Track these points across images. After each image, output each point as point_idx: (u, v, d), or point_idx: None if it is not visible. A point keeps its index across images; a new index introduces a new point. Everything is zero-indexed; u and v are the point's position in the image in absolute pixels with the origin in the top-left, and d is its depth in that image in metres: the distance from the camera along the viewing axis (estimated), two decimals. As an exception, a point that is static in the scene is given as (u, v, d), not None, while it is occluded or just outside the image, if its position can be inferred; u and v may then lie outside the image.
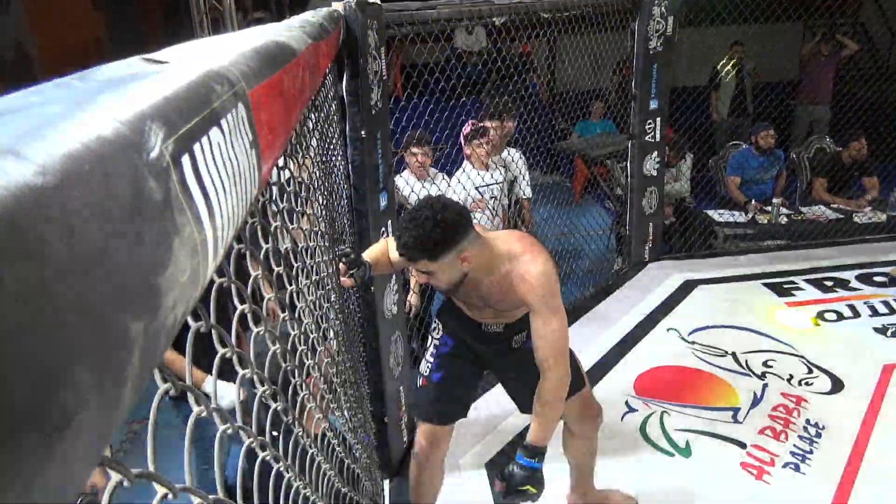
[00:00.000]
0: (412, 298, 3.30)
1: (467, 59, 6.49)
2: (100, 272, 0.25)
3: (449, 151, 3.62)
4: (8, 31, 5.53)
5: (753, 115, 6.55)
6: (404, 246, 1.67)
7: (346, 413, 1.64)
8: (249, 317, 0.77)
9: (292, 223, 1.07)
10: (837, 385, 3.11)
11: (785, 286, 4.13)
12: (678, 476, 2.59)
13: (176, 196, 0.33)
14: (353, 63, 2.14)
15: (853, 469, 2.57)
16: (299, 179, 1.20)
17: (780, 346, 3.46)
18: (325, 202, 1.70)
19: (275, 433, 0.81)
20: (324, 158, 1.77)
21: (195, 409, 0.59)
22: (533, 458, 1.79)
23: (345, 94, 2.17)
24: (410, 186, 3.24)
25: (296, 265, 1.07)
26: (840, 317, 3.74)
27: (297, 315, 1.04)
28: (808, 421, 2.87)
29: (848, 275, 4.22)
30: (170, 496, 0.46)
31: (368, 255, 1.97)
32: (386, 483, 2.63)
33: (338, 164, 2.15)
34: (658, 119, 4.13)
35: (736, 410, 2.97)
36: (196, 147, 0.37)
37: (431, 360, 2.15)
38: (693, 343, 3.53)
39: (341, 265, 1.80)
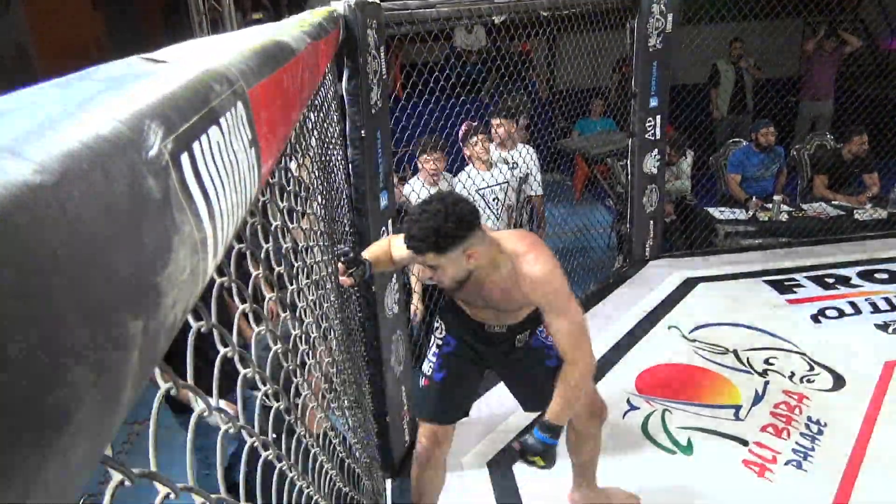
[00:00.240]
0: (416, 303, 3.29)
1: (467, 57, 6.49)
2: (99, 270, 0.25)
3: (449, 150, 3.62)
4: (8, 32, 5.53)
5: (754, 113, 6.54)
6: (413, 238, 1.66)
7: (346, 413, 1.65)
8: (251, 316, 0.77)
9: (292, 222, 1.06)
10: (839, 382, 3.11)
11: (786, 283, 4.12)
12: (680, 474, 2.59)
13: (175, 194, 0.33)
14: (352, 62, 2.13)
15: (855, 466, 2.57)
16: (299, 179, 1.20)
17: (782, 344, 3.45)
18: (324, 202, 1.70)
19: (274, 435, 0.81)
20: (323, 158, 1.77)
21: (196, 408, 0.59)
22: (548, 434, 1.85)
23: (344, 93, 2.17)
24: (417, 192, 3.21)
25: (296, 265, 1.07)
26: (841, 314, 3.74)
27: (297, 314, 1.04)
28: (809, 418, 2.87)
29: (849, 271, 4.22)
30: (171, 496, 0.46)
31: (369, 253, 1.96)
32: (388, 482, 2.63)
33: (338, 163, 2.15)
34: (658, 117, 4.13)
35: (738, 408, 2.96)
36: (195, 146, 0.37)
37: (434, 359, 2.15)
38: (694, 341, 3.53)
39: (340, 265, 1.80)
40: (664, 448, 2.74)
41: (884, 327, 3.56)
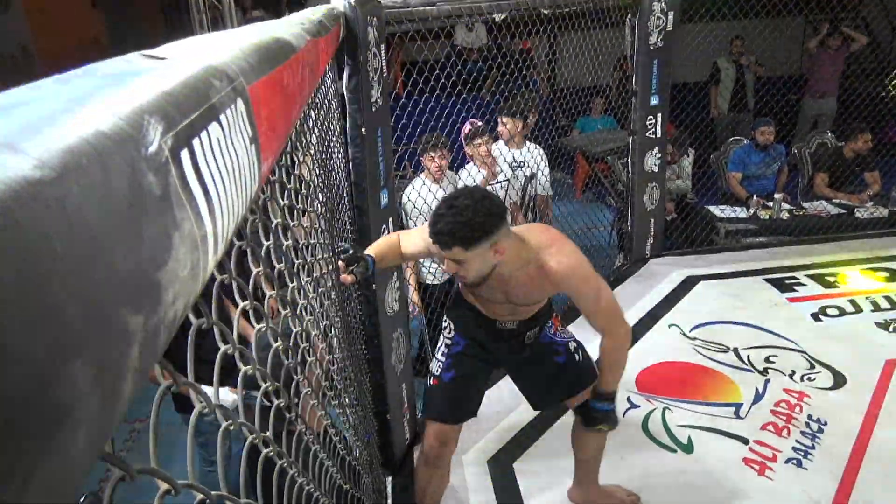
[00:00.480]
0: (413, 298, 3.29)
1: (468, 55, 6.48)
2: (98, 266, 0.25)
3: (450, 147, 3.61)
4: (8, 31, 5.54)
5: (754, 111, 6.54)
6: (440, 233, 1.65)
7: (346, 410, 1.65)
8: (251, 314, 0.77)
9: (293, 220, 1.06)
10: (839, 380, 3.11)
11: (787, 281, 4.12)
12: (680, 472, 2.59)
13: (175, 191, 0.33)
14: (353, 60, 2.13)
15: (855, 464, 2.57)
16: (299, 176, 1.20)
17: (782, 342, 3.45)
18: (325, 199, 1.70)
19: (273, 433, 0.81)
20: (324, 156, 1.77)
21: (197, 405, 0.59)
22: (604, 402, 2.02)
23: (345, 91, 2.16)
24: (418, 191, 3.20)
25: (297, 262, 1.07)
26: (842, 312, 3.74)
27: (298, 312, 1.04)
28: (810, 416, 2.87)
29: (850, 270, 4.22)
30: (172, 493, 0.46)
31: (374, 249, 1.95)
32: (388, 480, 2.63)
33: (338, 161, 2.15)
34: (659, 115, 4.12)
35: (738, 406, 2.96)
36: (195, 142, 0.37)
37: (443, 359, 2.15)
38: (695, 339, 3.53)
39: (340, 263, 1.80)
40: (664, 446, 2.74)
41: (884, 326, 3.56)
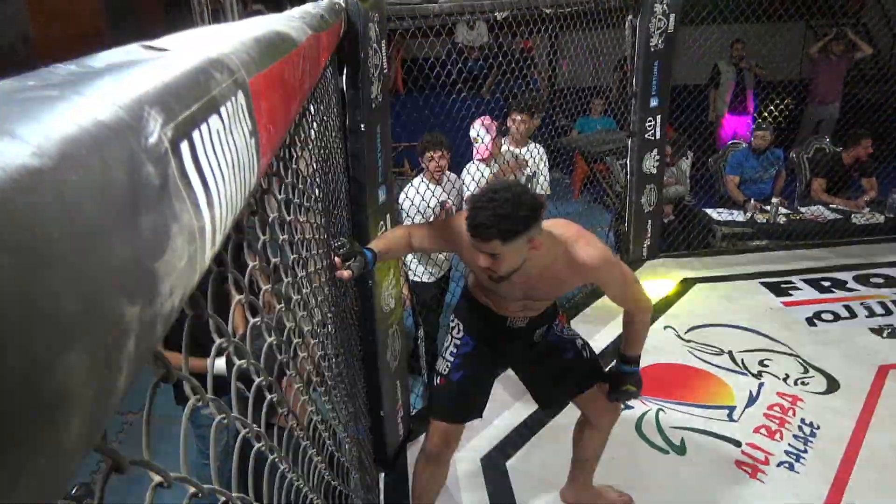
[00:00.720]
0: (404, 291, 3.27)
1: (468, 53, 6.47)
2: (95, 256, 0.25)
3: (449, 147, 3.59)
4: (10, 23, 5.51)
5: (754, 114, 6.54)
6: (480, 225, 1.64)
7: (336, 407, 1.64)
8: (246, 307, 0.77)
9: (290, 214, 1.06)
10: (833, 385, 3.12)
11: (782, 286, 4.13)
12: (673, 473, 2.60)
13: (174, 182, 0.33)
14: (353, 56, 2.13)
15: (847, 469, 2.58)
16: (298, 171, 1.19)
17: (777, 346, 3.46)
18: (322, 195, 1.70)
19: (257, 426, 0.80)
20: (323, 151, 1.76)
21: (191, 398, 0.58)
22: (630, 365, 2.15)
23: (345, 86, 2.16)
24: (421, 194, 3.18)
25: (292, 256, 1.07)
26: (836, 317, 3.75)
27: (292, 306, 1.03)
28: (803, 420, 2.88)
29: (845, 275, 4.23)
30: (164, 485, 0.46)
31: (379, 243, 1.94)
32: (381, 476, 2.63)
33: (337, 156, 2.14)
34: (658, 117, 4.13)
35: (731, 409, 2.97)
36: (195, 134, 0.37)
37: (451, 359, 2.14)
38: (690, 341, 3.53)
39: (336, 259, 1.79)
40: (657, 447, 2.74)
41: (878, 331, 3.57)
